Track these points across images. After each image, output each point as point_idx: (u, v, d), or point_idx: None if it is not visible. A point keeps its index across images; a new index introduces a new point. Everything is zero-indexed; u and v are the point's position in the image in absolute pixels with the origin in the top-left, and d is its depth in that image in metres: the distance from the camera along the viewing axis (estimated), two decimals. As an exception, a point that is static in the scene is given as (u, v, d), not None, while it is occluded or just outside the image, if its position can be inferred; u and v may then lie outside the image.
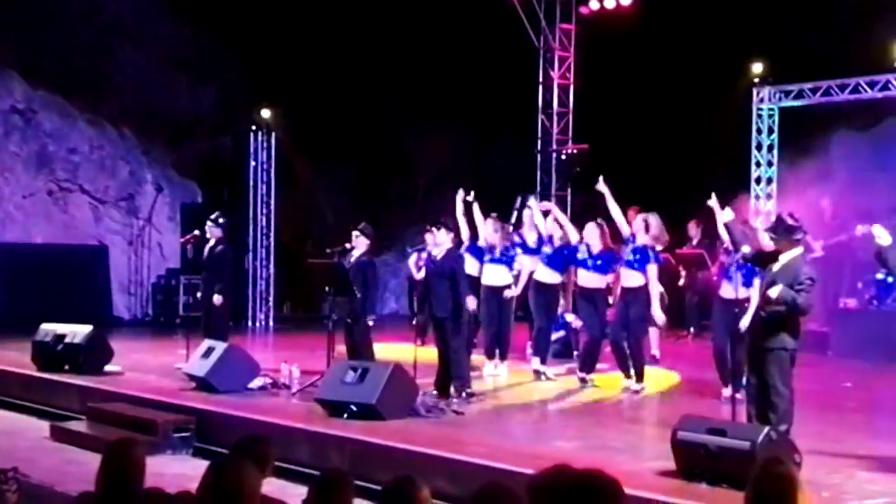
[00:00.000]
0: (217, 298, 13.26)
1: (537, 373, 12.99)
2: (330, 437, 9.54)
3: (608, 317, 12.69)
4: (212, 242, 13.52)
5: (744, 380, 9.10)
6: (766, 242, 9.27)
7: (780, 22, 17.02)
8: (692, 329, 17.99)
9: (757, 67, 18.36)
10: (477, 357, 13.22)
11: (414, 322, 13.89)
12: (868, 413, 11.46)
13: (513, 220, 16.65)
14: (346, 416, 10.03)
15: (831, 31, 15.94)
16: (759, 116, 18.63)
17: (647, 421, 10.70)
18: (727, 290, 11.15)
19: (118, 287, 20.22)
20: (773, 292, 8.40)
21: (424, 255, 13.09)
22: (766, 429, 7.87)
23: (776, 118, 18.52)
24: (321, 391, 10.59)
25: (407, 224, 19.59)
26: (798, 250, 8.71)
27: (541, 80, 21.47)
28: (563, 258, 12.99)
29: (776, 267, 8.65)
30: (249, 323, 19.58)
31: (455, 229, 11.84)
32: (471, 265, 12.98)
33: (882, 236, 8.43)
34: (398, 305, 21.61)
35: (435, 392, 11.28)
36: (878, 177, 15.65)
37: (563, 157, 21.00)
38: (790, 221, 8.74)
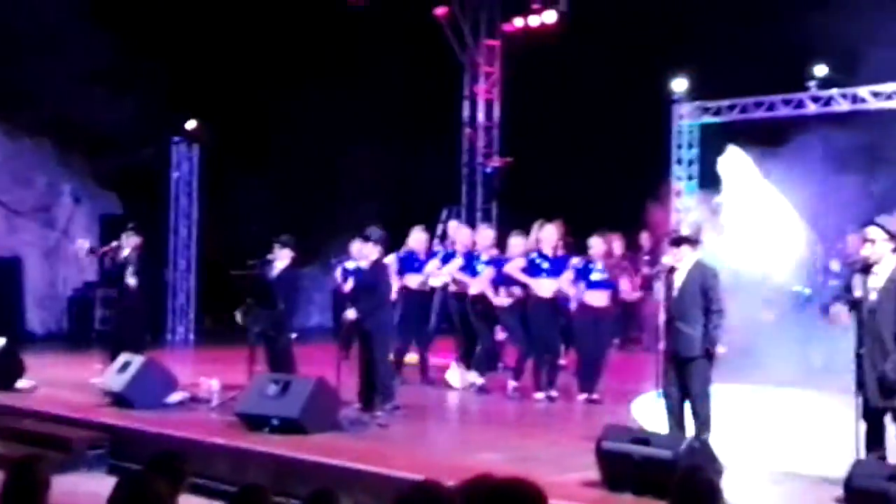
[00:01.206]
0: (131, 280, 12.99)
1: (472, 385, 12.96)
2: (250, 451, 9.39)
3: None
4: (126, 253, 13.28)
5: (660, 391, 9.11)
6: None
7: (701, 40, 17.23)
8: (616, 340, 18.09)
9: (678, 84, 18.60)
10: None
11: (338, 334, 13.79)
12: (790, 424, 11.54)
13: (438, 232, 16.67)
14: (267, 430, 9.90)
15: (750, 51, 16.17)
16: (680, 132, 18.86)
17: (572, 431, 10.70)
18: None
19: (32, 301, 19.78)
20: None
21: (349, 265, 13.05)
22: (689, 438, 7.92)
23: (696, 134, 18.76)
24: (242, 405, 10.44)
25: (331, 235, 19.42)
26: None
27: (466, 94, 21.55)
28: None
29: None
30: (168, 336, 19.30)
31: (381, 241, 11.77)
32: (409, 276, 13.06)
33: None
34: (322, 318, 21.43)
35: (359, 405, 11.19)
36: (790, 192, 15.86)
37: (488, 170, 21.07)
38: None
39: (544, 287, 12.37)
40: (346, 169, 21.50)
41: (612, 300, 12.48)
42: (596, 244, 12.33)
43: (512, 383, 12.61)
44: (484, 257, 13.08)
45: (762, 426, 11.30)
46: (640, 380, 12.56)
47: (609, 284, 12.38)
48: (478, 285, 12.90)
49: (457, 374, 13.34)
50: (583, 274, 12.21)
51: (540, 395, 12.27)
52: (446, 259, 13.51)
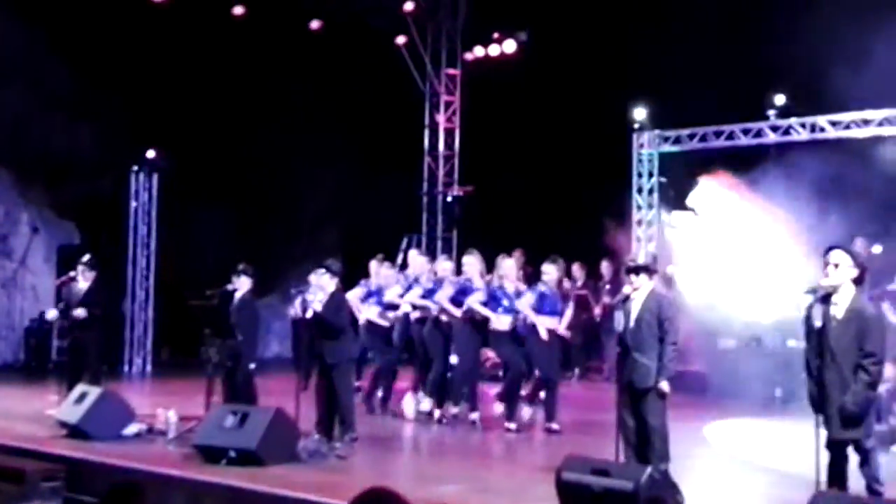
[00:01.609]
0: (80, 311, 12.86)
1: (430, 414, 12.87)
2: (207, 483, 9.27)
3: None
4: (84, 285, 13.15)
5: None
6: None
7: (661, 69, 17.34)
8: (577, 370, 18.11)
9: (639, 113, 18.69)
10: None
11: (297, 365, 13.70)
12: (750, 453, 11.54)
13: (399, 261, 16.61)
14: (224, 461, 9.79)
15: (710, 80, 16.29)
16: (640, 161, 18.93)
17: (532, 462, 10.64)
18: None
19: (-11, 332, 19.55)
20: None
21: (309, 296, 12.93)
22: (649, 469, 7.88)
23: (655, 162, 18.83)
24: (199, 437, 10.32)
25: (291, 265, 19.31)
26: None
27: (427, 123, 21.59)
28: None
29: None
30: (126, 367, 19.09)
31: (339, 273, 11.70)
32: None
33: None
34: (281, 348, 21.28)
35: (317, 436, 11.09)
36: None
37: (449, 199, 21.07)
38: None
39: (503, 322, 12.33)
40: (306, 197, 21.43)
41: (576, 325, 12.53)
42: (549, 271, 12.32)
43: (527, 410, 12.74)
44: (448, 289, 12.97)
45: (722, 456, 11.29)
46: (600, 410, 12.52)
47: (559, 312, 12.38)
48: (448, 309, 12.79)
49: (412, 404, 13.24)
50: (537, 301, 12.22)
51: (512, 426, 12.22)
52: (409, 289, 13.45)
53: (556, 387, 12.57)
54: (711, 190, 16.83)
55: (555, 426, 12.23)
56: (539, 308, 12.24)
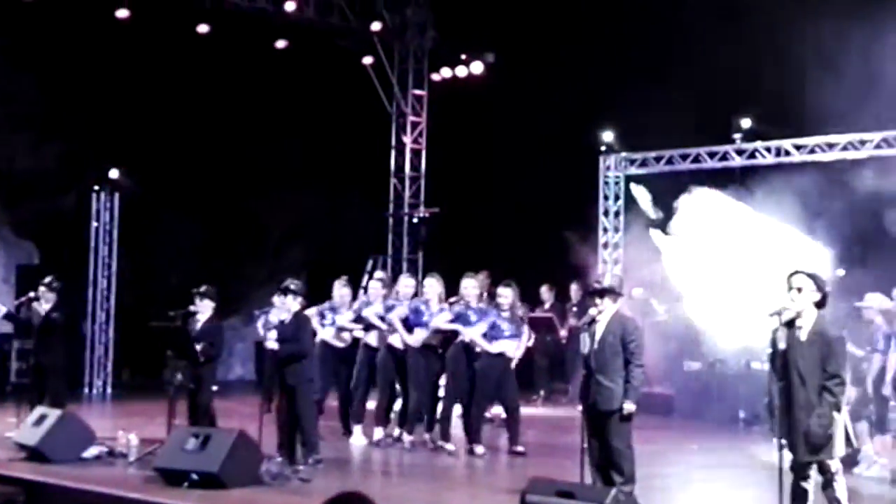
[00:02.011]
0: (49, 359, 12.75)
1: (398, 440, 12.78)
2: (168, 507, 9.15)
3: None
4: (46, 307, 12.99)
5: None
6: None
7: (628, 92, 17.40)
8: (542, 392, 18.08)
9: (606, 136, 18.73)
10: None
11: (260, 387, 13.58)
12: (715, 475, 11.54)
13: (364, 282, 16.50)
14: (186, 485, 9.66)
15: (676, 103, 16.35)
16: (606, 184, 18.97)
17: (497, 484, 10.57)
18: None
19: (-55, 354, 19.24)
20: None
21: (273, 318, 12.84)
22: (614, 490, 7.85)
23: (622, 185, 18.89)
24: (161, 460, 10.19)
25: (255, 286, 19.22)
26: None
27: (393, 144, 21.56)
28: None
29: None
30: (86, 390, 18.86)
31: (303, 293, 11.61)
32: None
33: None
34: (244, 370, 21.15)
35: (280, 459, 10.98)
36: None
37: (415, 220, 21.03)
38: None
39: (476, 333, 12.24)
40: (271, 218, 21.33)
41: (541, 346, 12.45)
42: (505, 294, 12.23)
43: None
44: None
45: (688, 478, 11.28)
46: (565, 432, 12.48)
47: (516, 335, 12.28)
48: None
49: (360, 434, 13.07)
50: (495, 326, 12.12)
51: (480, 450, 12.10)
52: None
53: (517, 410, 12.48)
54: (693, 210, 16.76)
55: (519, 448, 12.17)
56: (495, 335, 12.12)
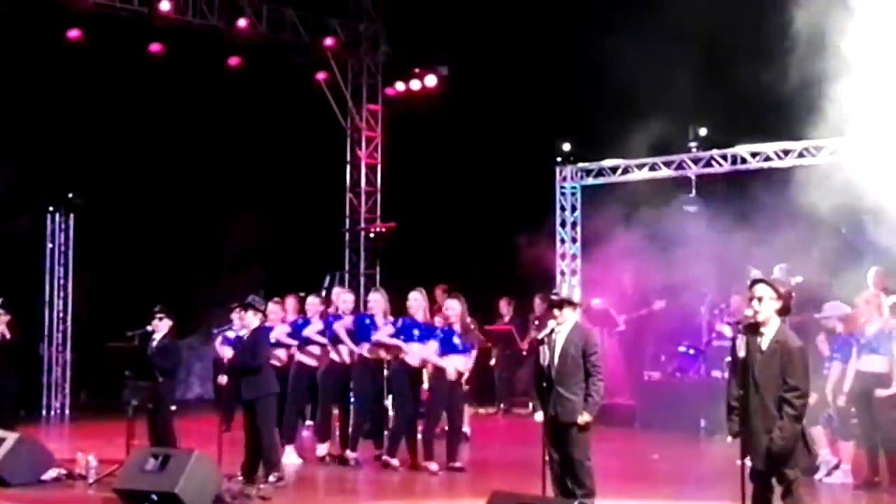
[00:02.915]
0: None
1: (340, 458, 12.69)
2: (128, 529, 9.05)
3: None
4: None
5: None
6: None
7: (583, 103, 17.47)
8: (502, 405, 18.08)
9: (561, 146, 18.77)
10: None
11: (220, 405, 13.47)
12: (677, 485, 11.56)
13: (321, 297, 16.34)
14: (146, 506, 9.56)
15: (631, 113, 16.42)
16: (563, 194, 19.02)
17: (458, 499, 10.54)
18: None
19: None
20: None
21: (231, 335, 12.77)
22: (575, 503, 7.83)
23: (578, 196, 18.93)
24: (120, 481, 10.10)
25: (212, 304, 19.08)
26: None
27: (348, 159, 21.52)
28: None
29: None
30: (43, 412, 18.64)
31: (263, 309, 11.54)
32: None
33: None
34: (203, 389, 20.98)
35: (241, 477, 10.90)
36: (674, 252, 16.05)
37: (371, 235, 20.99)
38: None
39: (413, 352, 12.16)
40: (228, 235, 21.22)
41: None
42: (453, 306, 12.07)
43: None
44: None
45: (649, 489, 11.29)
46: (526, 444, 12.45)
47: (466, 349, 12.14)
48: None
49: (292, 452, 12.91)
50: (445, 341, 11.96)
51: (434, 466, 11.99)
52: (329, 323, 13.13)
53: (460, 430, 12.38)
54: None
55: (457, 464, 12.05)
56: (446, 350, 11.97)
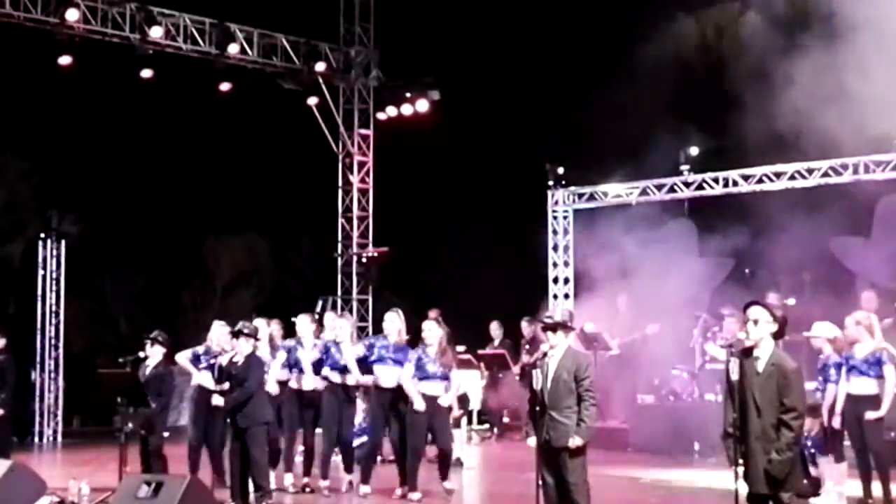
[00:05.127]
0: None
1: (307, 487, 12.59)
2: (121, 557, 9.00)
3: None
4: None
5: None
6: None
7: (575, 127, 17.55)
8: (496, 429, 18.05)
9: (555, 171, 18.82)
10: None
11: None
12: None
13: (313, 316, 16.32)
14: (139, 533, 9.51)
15: (623, 137, 16.50)
16: (555, 218, 19.05)
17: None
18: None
19: None
20: None
21: (223, 360, 12.70)
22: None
23: (570, 219, 18.97)
24: (112, 508, 10.04)
25: (204, 329, 19.04)
26: None
27: (340, 184, 21.54)
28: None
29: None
30: (36, 439, 18.56)
31: (254, 334, 11.49)
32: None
33: None
34: (195, 415, 20.90)
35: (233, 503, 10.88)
36: (667, 275, 16.07)
37: (364, 260, 21.00)
38: None
39: (386, 376, 12.04)
40: (219, 260, 21.23)
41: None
42: (430, 328, 11.86)
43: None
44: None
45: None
46: (520, 469, 12.42)
47: (444, 376, 11.86)
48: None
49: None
50: (419, 365, 11.74)
51: (417, 496, 11.86)
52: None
53: (449, 455, 12.23)
54: None
55: (448, 485, 11.88)
56: (420, 376, 11.70)
